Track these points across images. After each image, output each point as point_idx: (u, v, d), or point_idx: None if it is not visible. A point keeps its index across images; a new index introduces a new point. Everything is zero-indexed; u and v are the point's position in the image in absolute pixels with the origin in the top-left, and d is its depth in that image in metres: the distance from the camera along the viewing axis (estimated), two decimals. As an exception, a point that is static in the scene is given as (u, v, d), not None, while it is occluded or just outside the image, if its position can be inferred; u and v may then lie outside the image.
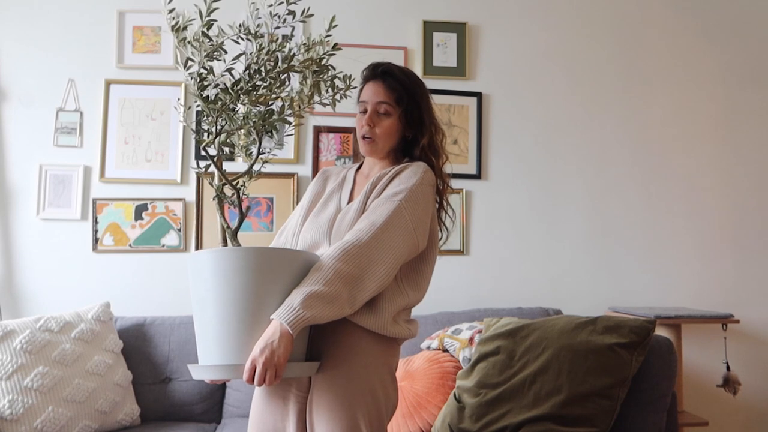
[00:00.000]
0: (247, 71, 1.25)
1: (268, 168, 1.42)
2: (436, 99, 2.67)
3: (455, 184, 2.64)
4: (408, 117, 1.49)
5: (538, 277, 2.78)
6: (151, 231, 2.61)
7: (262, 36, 1.26)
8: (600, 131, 2.87)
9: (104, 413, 2.09)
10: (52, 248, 2.57)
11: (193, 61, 1.24)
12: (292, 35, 1.29)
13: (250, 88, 1.24)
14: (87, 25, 2.66)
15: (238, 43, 1.29)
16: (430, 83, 2.71)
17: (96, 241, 2.58)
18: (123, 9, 2.66)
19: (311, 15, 1.29)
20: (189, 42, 1.22)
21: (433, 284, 1.50)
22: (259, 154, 1.34)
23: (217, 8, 1.24)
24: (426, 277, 1.46)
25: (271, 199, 2.68)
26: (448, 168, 1.57)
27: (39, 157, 2.59)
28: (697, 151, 2.91)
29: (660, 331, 2.23)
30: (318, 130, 2.71)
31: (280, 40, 1.27)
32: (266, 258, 1.21)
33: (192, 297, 1.25)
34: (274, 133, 1.33)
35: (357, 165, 1.61)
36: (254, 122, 1.28)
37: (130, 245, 2.60)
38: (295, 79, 1.35)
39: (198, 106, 1.27)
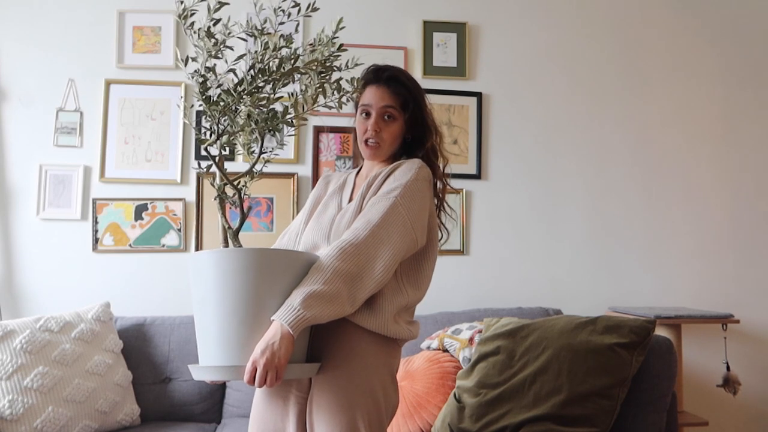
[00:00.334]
0: (251, 71, 1.24)
1: (269, 168, 1.41)
2: (436, 99, 2.73)
3: (455, 184, 2.64)
4: (413, 121, 1.50)
5: (538, 277, 2.78)
6: (151, 231, 2.61)
7: (268, 33, 1.25)
8: (600, 131, 2.87)
9: (104, 413, 2.09)
10: (52, 248, 2.57)
11: (195, 61, 1.24)
12: (297, 31, 1.27)
13: (254, 90, 1.23)
14: (87, 25, 2.66)
15: (245, 41, 1.28)
16: (430, 83, 2.75)
17: (96, 241, 2.58)
18: (123, 9, 2.66)
19: (317, 9, 1.26)
20: (197, 30, 1.20)
21: (433, 284, 1.49)
22: (261, 153, 1.33)
23: (228, 3, 1.23)
24: (426, 275, 1.46)
25: (271, 199, 2.68)
26: (448, 168, 1.58)
27: (39, 157, 2.59)
28: (697, 151, 2.91)
29: (660, 331, 2.23)
30: (318, 130, 2.71)
31: (285, 36, 1.26)
32: (267, 259, 1.20)
33: (193, 297, 1.24)
34: (276, 132, 1.32)
35: (357, 168, 1.62)
36: (256, 122, 1.27)
37: (130, 245, 2.60)
38: (298, 82, 1.34)
39: (200, 105, 1.26)
